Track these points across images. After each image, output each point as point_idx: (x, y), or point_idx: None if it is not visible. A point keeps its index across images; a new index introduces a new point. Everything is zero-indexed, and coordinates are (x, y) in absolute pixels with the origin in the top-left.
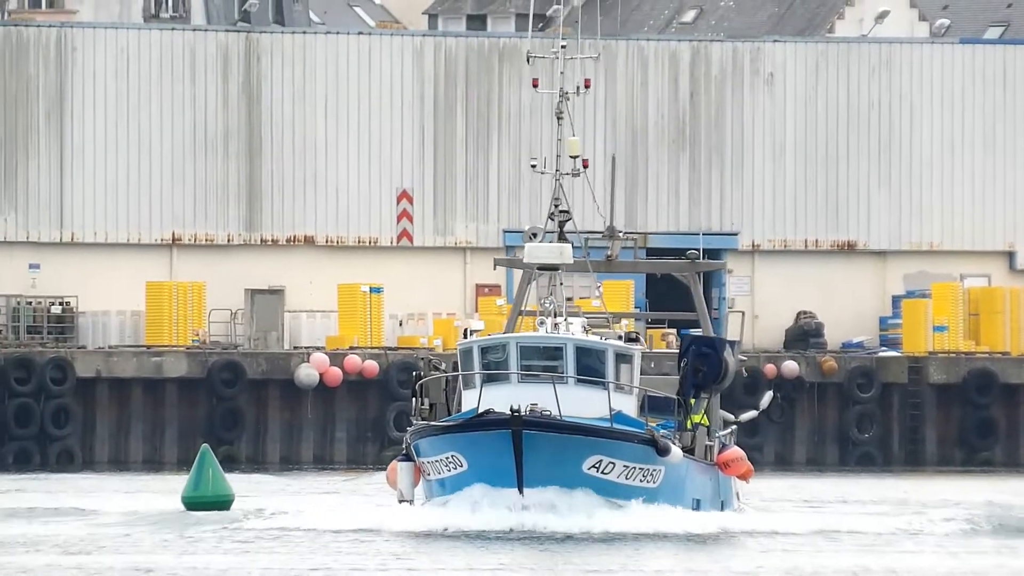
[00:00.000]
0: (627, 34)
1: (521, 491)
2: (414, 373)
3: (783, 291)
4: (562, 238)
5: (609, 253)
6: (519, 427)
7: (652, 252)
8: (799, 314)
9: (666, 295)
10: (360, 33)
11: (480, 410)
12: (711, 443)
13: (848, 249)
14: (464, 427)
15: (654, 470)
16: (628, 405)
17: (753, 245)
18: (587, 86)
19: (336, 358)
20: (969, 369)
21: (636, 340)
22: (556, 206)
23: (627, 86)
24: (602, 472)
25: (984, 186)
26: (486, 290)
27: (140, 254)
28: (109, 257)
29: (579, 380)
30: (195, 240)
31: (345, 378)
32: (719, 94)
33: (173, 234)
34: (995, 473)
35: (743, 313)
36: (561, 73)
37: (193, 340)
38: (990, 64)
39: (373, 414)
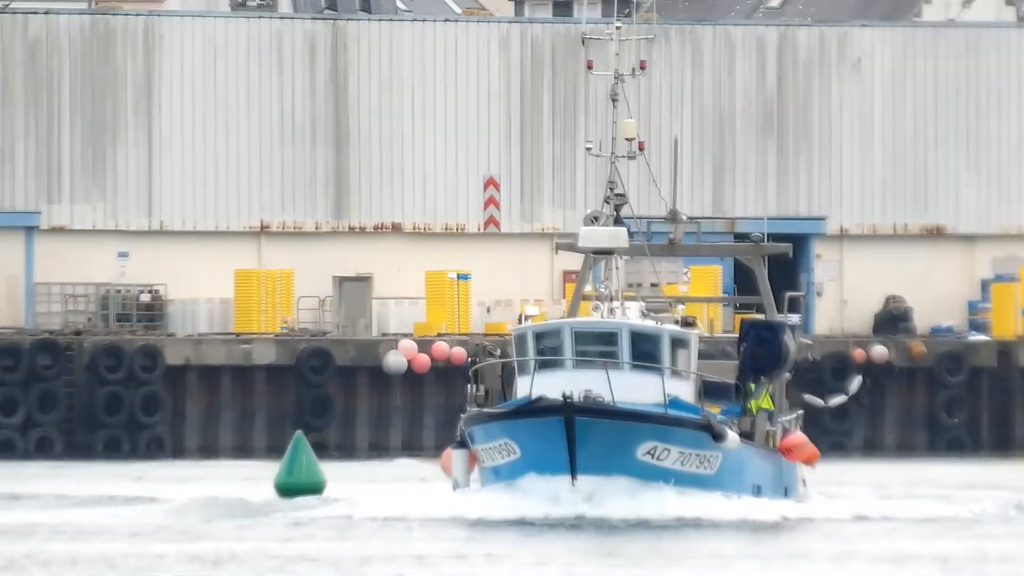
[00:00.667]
0: (714, 19)
1: (574, 479)
2: (469, 359)
3: (871, 276)
4: (618, 222)
5: (672, 237)
6: (571, 414)
7: (740, 238)
8: (888, 299)
9: (755, 280)
10: (447, 20)
11: (533, 396)
12: (773, 428)
13: (936, 233)
14: (516, 414)
15: (711, 456)
16: (684, 390)
17: (841, 230)
18: (642, 67)
19: (424, 345)
20: None
21: (693, 324)
22: (612, 189)
23: (714, 72)
24: (657, 458)
25: None
26: (574, 276)
27: (229, 242)
28: (198, 245)
29: (634, 365)
30: (283, 228)
31: (433, 365)
32: (806, 79)
33: (261, 222)
34: None
35: (804, 295)
36: (616, 55)
37: (282, 327)
38: None
39: (461, 400)
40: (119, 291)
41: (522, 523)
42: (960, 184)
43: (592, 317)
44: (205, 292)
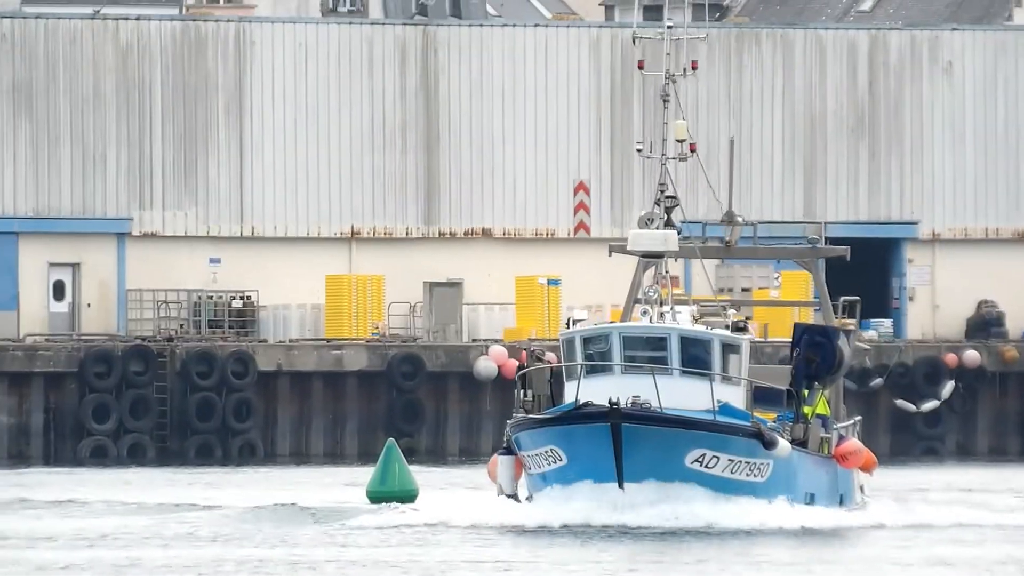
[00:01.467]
0: (805, 23)
1: (621, 486)
2: (518, 364)
3: (963, 280)
4: (669, 224)
5: (727, 239)
6: (618, 420)
7: (831, 242)
8: (980, 303)
9: (846, 284)
10: (537, 25)
11: (580, 402)
12: (828, 435)
13: None
14: (562, 420)
15: (761, 464)
16: (735, 396)
17: (933, 234)
18: (694, 68)
19: (514, 350)
20: None
21: (744, 329)
22: (662, 191)
23: (805, 75)
24: (706, 466)
25: None
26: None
27: (320, 248)
28: (289, 251)
29: (683, 371)
30: (374, 233)
31: None
32: (897, 83)
33: (352, 228)
34: None
35: (859, 299)
36: (667, 55)
37: (373, 333)
38: None
39: None
40: (211, 297)
41: (570, 531)
42: None
43: (641, 322)
44: (296, 298)
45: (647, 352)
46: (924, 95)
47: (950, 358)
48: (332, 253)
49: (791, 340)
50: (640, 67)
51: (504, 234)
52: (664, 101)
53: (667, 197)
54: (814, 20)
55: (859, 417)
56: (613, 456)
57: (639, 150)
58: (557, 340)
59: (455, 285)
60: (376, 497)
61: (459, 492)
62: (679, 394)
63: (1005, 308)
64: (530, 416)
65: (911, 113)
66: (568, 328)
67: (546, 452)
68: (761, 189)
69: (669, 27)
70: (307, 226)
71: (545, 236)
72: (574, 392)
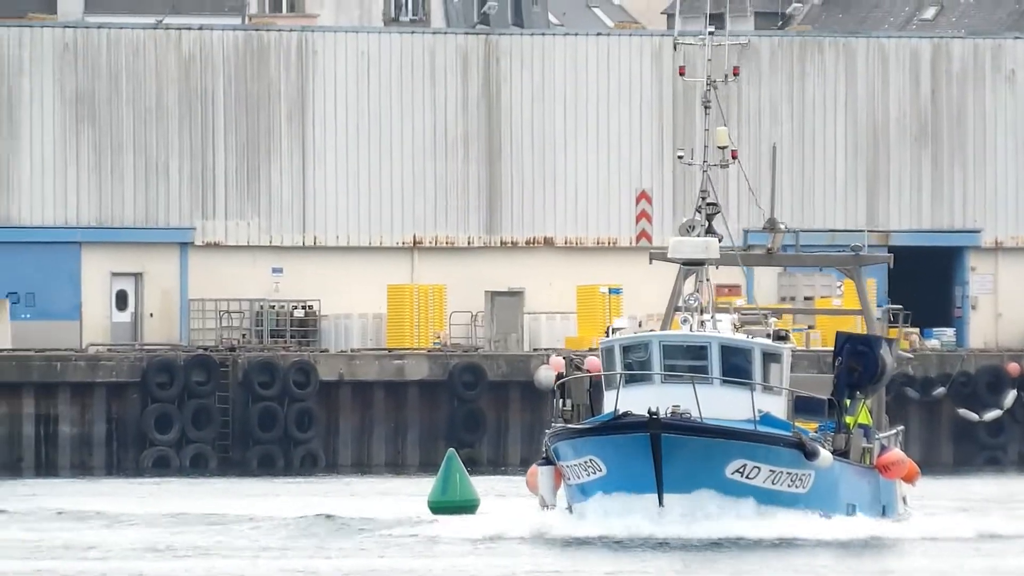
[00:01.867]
0: (868, 32)
1: (661, 498)
2: (557, 373)
3: None
4: (710, 232)
5: (769, 246)
6: (657, 430)
7: (894, 251)
8: None
9: (909, 292)
10: (599, 34)
11: (619, 411)
12: (870, 445)
13: None
14: (601, 430)
15: (802, 475)
16: (776, 406)
17: (996, 243)
18: (735, 74)
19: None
20: None
21: (785, 338)
22: (704, 199)
23: (868, 84)
24: (747, 477)
25: None
26: (726, 290)
27: (381, 257)
28: (351, 260)
29: (724, 380)
30: (436, 243)
31: None
32: (960, 91)
33: (414, 237)
34: None
35: (901, 308)
36: (708, 61)
37: (434, 343)
38: None
39: None
40: (273, 307)
41: (610, 542)
42: None
43: (682, 330)
44: (358, 308)
45: (687, 361)
46: (987, 103)
47: (1012, 367)
48: (394, 262)
49: (833, 349)
50: (681, 73)
51: (566, 243)
52: (705, 107)
53: (708, 204)
54: (876, 29)
55: (902, 427)
56: (653, 467)
57: (680, 157)
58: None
59: (516, 294)
60: (437, 507)
61: (516, 502)
62: (719, 404)
63: None
64: (569, 426)
65: (974, 121)
66: (608, 336)
67: (585, 462)
68: (824, 197)
69: (711, 33)
70: (369, 235)
71: (607, 245)
72: (613, 401)
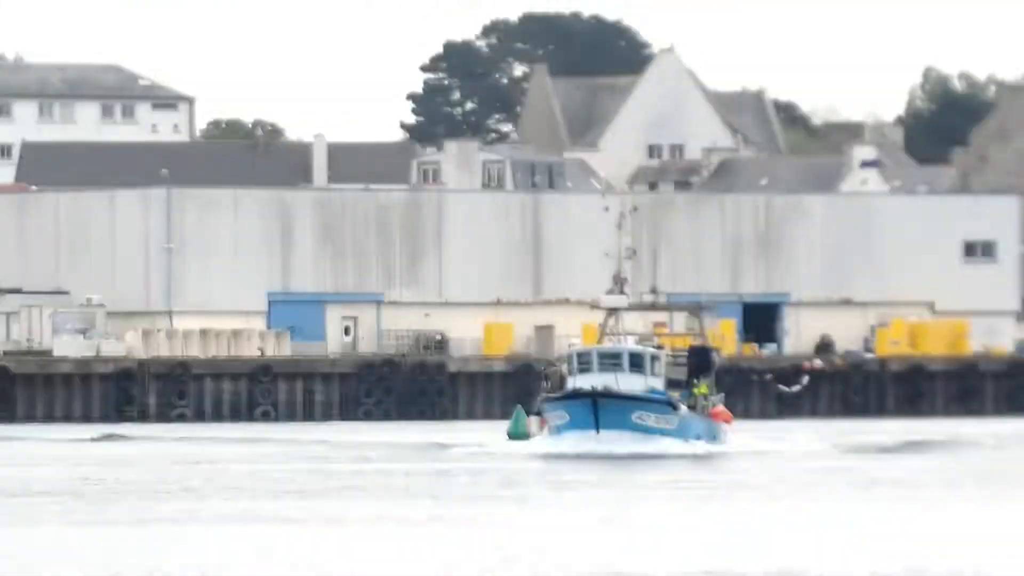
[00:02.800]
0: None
1: (597, 431)
2: (542, 369)
3: None
4: (622, 293)
5: (653, 301)
6: (596, 397)
7: (745, 306)
8: None
9: (757, 326)
10: (589, 193)
11: (576, 388)
12: (707, 404)
13: None
14: (567, 397)
15: (671, 419)
16: (657, 383)
17: (799, 300)
18: (634, 209)
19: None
20: None
21: (661, 347)
22: (617, 276)
23: (729, 223)
24: (642, 420)
25: None
26: (661, 325)
27: (477, 308)
28: (463, 308)
29: (630, 370)
30: (508, 299)
31: None
32: (781, 224)
33: (497, 297)
34: None
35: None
36: (626, 213)
37: (508, 353)
38: None
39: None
40: (421, 335)
41: (569, 456)
42: None
43: (608, 344)
44: (468, 334)
45: (611, 360)
46: (795, 231)
47: (805, 364)
48: (486, 310)
49: (687, 353)
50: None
51: (578, 300)
52: (618, 226)
53: (621, 279)
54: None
55: (723, 394)
56: (593, 416)
57: (607, 254)
58: (564, 354)
59: (550, 327)
60: (512, 436)
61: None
62: (628, 383)
63: None
64: (550, 395)
65: (789, 239)
66: (569, 348)
67: (558, 415)
68: (706, 273)
69: (633, 209)
70: (475, 295)
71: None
72: (572, 382)
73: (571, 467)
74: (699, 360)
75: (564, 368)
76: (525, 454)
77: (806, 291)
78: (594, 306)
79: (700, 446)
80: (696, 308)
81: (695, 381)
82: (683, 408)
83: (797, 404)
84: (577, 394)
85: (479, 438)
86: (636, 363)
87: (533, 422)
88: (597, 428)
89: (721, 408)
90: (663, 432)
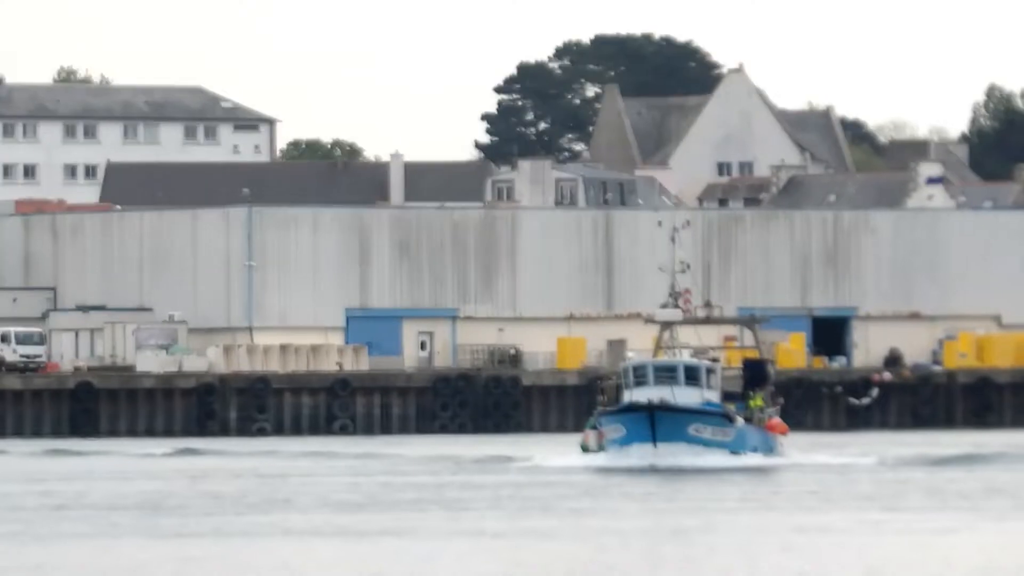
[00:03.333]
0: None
1: (655, 445)
2: (598, 381)
3: None
4: (676, 306)
5: (706, 314)
6: (652, 410)
7: (815, 320)
8: None
9: (826, 339)
10: (654, 210)
11: (632, 401)
12: (762, 416)
13: None
14: (623, 410)
15: (728, 431)
16: (714, 396)
17: (867, 314)
18: (687, 224)
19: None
20: None
21: (717, 360)
22: (672, 289)
23: (800, 236)
24: (699, 433)
25: None
26: (731, 338)
27: (550, 323)
28: (537, 323)
29: (686, 383)
30: (580, 314)
31: None
32: (845, 240)
33: (570, 313)
34: None
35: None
36: (680, 228)
37: (580, 366)
38: None
39: None
40: (496, 349)
41: (629, 469)
42: None
43: (664, 357)
44: (542, 348)
45: (667, 374)
46: (861, 246)
47: (875, 377)
48: (559, 325)
49: (742, 367)
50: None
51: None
52: (672, 240)
53: (675, 293)
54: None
55: (779, 406)
56: (650, 429)
57: (660, 269)
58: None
59: (622, 341)
60: (583, 449)
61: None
62: (683, 396)
63: None
64: (607, 408)
65: (855, 255)
66: (626, 361)
67: (615, 428)
68: (775, 287)
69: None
70: (545, 310)
71: None
72: (628, 396)
73: (630, 480)
74: (754, 372)
75: (620, 381)
76: (581, 468)
77: (874, 305)
78: (649, 320)
79: (756, 459)
80: (750, 321)
81: (750, 393)
82: (739, 420)
83: (866, 416)
84: (633, 407)
85: (542, 451)
86: (692, 376)
87: (590, 435)
88: (654, 441)
89: (777, 420)
90: (720, 445)
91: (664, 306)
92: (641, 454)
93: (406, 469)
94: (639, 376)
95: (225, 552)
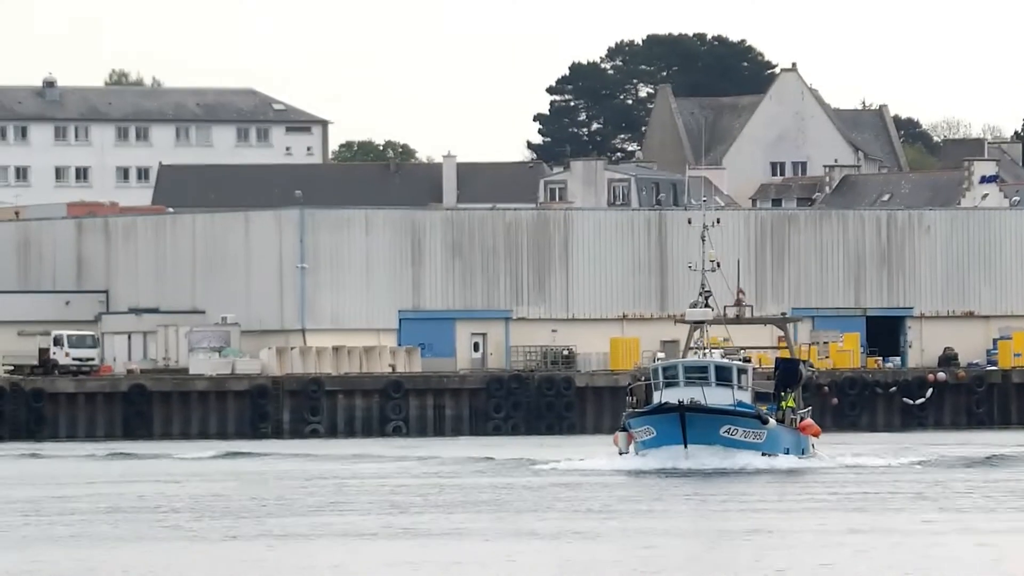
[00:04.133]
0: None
1: (686, 447)
2: (627, 384)
3: None
4: (707, 306)
5: (737, 314)
6: (683, 411)
7: (869, 319)
8: None
9: (880, 340)
10: (709, 210)
11: (663, 402)
12: (795, 417)
13: None
14: (654, 412)
15: (760, 432)
16: (745, 397)
17: (921, 314)
18: (716, 223)
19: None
20: None
21: (749, 360)
22: (702, 289)
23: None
24: (731, 435)
25: None
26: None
27: (604, 323)
28: (591, 324)
29: (717, 383)
30: (633, 315)
31: None
32: (901, 239)
33: (623, 313)
34: None
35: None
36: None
37: (634, 367)
38: None
39: None
40: (548, 351)
41: (661, 471)
42: None
43: (694, 357)
44: (596, 349)
45: (697, 374)
46: (916, 246)
47: (930, 376)
48: (612, 325)
49: (774, 367)
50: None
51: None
52: (702, 240)
53: (706, 292)
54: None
55: (810, 407)
56: (681, 431)
57: (690, 266)
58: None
59: (675, 342)
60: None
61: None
62: (714, 396)
63: None
64: (636, 410)
65: (910, 254)
66: (655, 362)
67: (645, 430)
68: (829, 289)
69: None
70: (599, 312)
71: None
72: (659, 397)
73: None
74: (786, 373)
75: (650, 382)
76: (610, 470)
77: (928, 305)
78: (678, 320)
79: (789, 460)
80: (782, 321)
81: (783, 394)
82: (772, 421)
83: (921, 416)
84: (664, 408)
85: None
86: (723, 376)
87: (620, 438)
88: (685, 443)
89: (809, 421)
90: (752, 447)
91: (694, 305)
92: (672, 456)
93: (434, 470)
94: (669, 377)
95: (279, 555)
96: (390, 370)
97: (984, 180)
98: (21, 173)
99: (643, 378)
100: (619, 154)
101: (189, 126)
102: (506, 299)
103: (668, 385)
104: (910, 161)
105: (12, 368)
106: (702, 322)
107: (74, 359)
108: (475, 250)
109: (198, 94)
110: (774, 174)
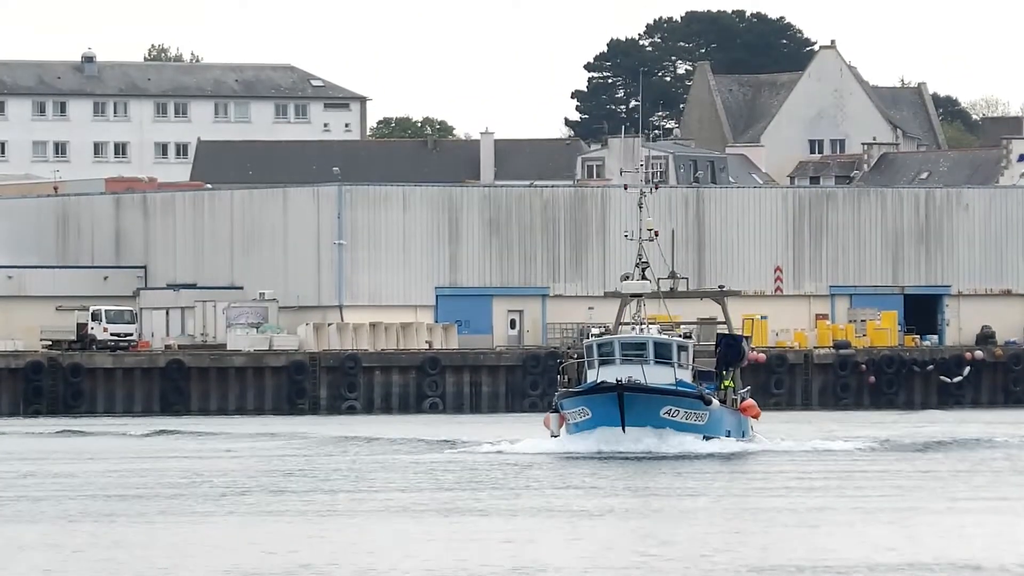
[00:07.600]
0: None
1: (623, 429)
2: (558, 360)
3: None
4: (644, 277)
5: (672, 287)
6: (621, 391)
7: (907, 297)
8: None
9: (918, 318)
10: (746, 187)
11: (598, 381)
12: (735, 398)
13: None
14: (589, 391)
15: (702, 414)
16: (686, 376)
17: (959, 292)
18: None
19: None
20: None
21: (689, 336)
22: (639, 259)
23: (890, 211)
24: (672, 416)
25: None
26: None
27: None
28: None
29: (656, 361)
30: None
31: None
32: (939, 217)
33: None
34: None
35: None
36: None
37: None
38: None
39: None
40: (583, 327)
41: (596, 456)
42: None
43: (631, 333)
44: None
45: (635, 351)
46: (954, 223)
47: (967, 355)
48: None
49: (715, 343)
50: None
51: (742, 294)
52: (639, 207)
53: (643, 263)
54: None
55: (750, 387)
56: (619, 411)
57: (626, 235)
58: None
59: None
60: None
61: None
62: (654, 375)
63: None
64: (569, 389)
65: (948, 232)
66: (589, 338)
67: (579, 411)
68: (868, 265)
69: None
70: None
71: (759, 293)
72: (593, 375)
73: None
74: (729, 350)
75: (583, 360)
76: (537, 454)
77: (966, 283)
78: (609, 294)
79: (730, 443)
80: (720, 295)
81: (724, 373)
82: (715, 402)
83: (959, 395)
84: (600, 388)
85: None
86: (662, 354)
87: (551, 419)
88: (623, 425)
89: (750, 402)
90: (693, 429)
91: (627, 277)
92: (608, 439)
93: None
94: (604, 354)
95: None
96: (427, 347)
97: (1022, 158)
98: (60, 148)
99: (576, 355)
100: (657, 131)
101: (228, 102)
102: (543, 276)
103: (604, 363)
104: (948, 139)
105: (50, 343)
106: (639, 295)
107: (112, 334)
108: (512, 227)
109: (237, 70)
110: (812, 152)
